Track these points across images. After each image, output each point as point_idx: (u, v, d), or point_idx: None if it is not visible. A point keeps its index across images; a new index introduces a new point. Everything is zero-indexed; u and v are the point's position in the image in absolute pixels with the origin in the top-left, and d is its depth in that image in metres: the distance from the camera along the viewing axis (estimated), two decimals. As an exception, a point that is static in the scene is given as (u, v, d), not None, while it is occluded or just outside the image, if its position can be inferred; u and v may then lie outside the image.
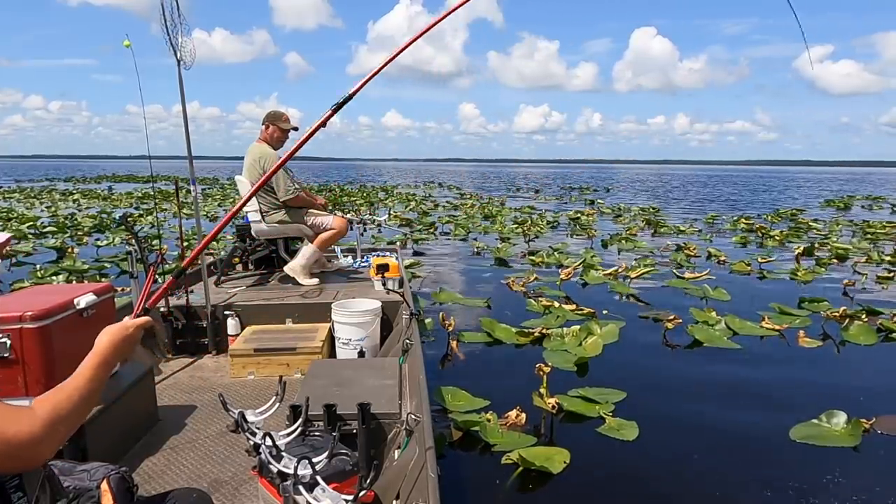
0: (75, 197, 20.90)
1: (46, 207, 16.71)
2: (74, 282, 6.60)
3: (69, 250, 8.71)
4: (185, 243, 6.80)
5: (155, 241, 7.02)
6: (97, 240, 9.92)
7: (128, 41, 2.59)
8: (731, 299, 5.99)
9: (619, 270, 7.05)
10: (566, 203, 21.09)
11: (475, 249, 9.37)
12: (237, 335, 3.35)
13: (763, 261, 8.28)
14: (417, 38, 1.56)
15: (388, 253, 5.44)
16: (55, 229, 11.33)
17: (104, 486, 1.49)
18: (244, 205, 1.55)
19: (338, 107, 1.52)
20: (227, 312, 3.45)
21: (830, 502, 2.50)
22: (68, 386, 1.03)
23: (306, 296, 3.85)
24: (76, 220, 13.16)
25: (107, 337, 1.15)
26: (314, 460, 1.59)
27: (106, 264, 7.64)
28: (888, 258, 8.61)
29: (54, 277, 6.72)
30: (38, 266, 7.26)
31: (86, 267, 7.27)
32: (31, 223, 12.03)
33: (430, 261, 8.47)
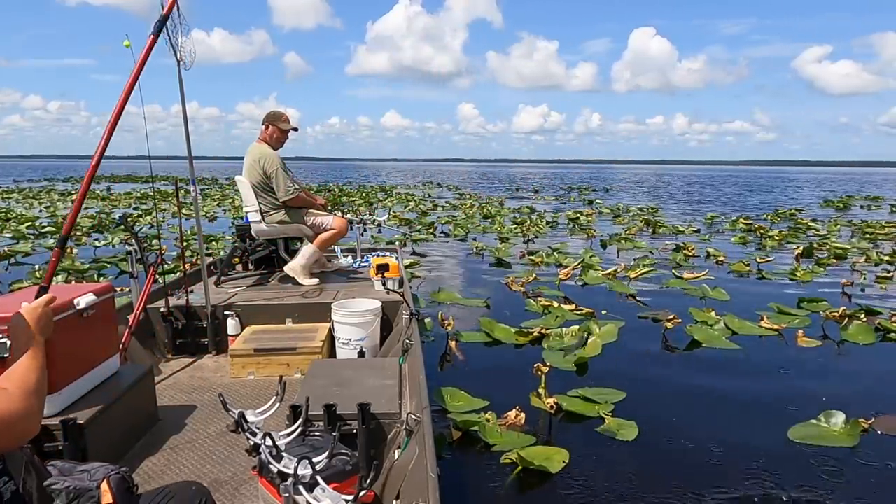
0: (74, 197, 20.87)
1: (45, 207, 16.70)
2: (73, 282, 6.60)
3: (68, 250, 8.70)
4: (185, 243, 6.80)
5: (154, 242, 7.01)
6: (95, 240, 9.91)
7: (127, 41, 2.59)
8: (730, 299, 5.99)
9: (619, 270, 7.05)
10: (565, 203, 21.10)
11: (474, 249, 9.37)
12: (237, 335, 3.35)
13: (762, 261, 8.29)
14: None
15: (388, 253, 5.44)
16: (54, 229, 11.33)
17: (104, 486, 1.49)
18: (88, 184, 1.78)
19: (158, 32, 1.67)
20: (227, 312, 3.45)
21: (829, 502, 2.51)
22: (19, 366, 1.15)
23: (306, 296, 3.85)
24: (75, 220, 13.13)
25: (23, 319, 1.27)
26: (314, 460, 1.59)
27: (105, 264, 7.63)
28: (886, 258, 8.63)
29: (53, 278, 6.70)
30: (36, 266, 7.25)
31: (85, 267, 7.26)
32: (30, 223, 12.03)
33: (430, 261, 8.47)
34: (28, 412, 1.04)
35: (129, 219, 3.03)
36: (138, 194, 22.31)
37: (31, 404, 1.07)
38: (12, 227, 11.38)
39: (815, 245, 9.75)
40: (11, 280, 6.50)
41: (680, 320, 4.83)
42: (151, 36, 1.73)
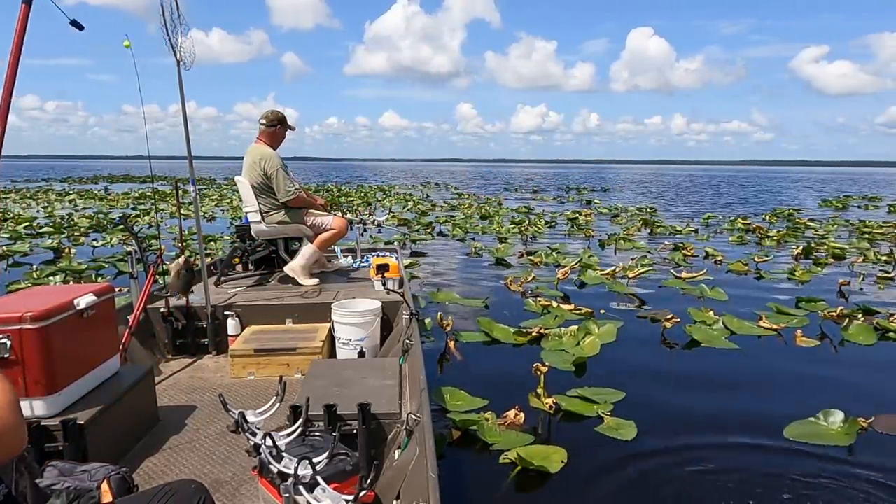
0: (71, 197, 20.84)
1: (43, 208, 16.66)
2: (72, 282, 6.59)
3: (66, 251, 8.69)
4: (184, 243, 6.79)
5: (153, 242, 6.99)
6: (94, 240, 9.89)
7: (128, 41, 2.59)
8: (729, 299, 6.00)
9: (617, 270, 7.06)
10: (563, 203, 21.11)
11: (473, 249, 9.37)
12: (237, 335, 3.35)
13: (760, 260, 8.31)
14: None
15: (387, 253, 5.44)
16: (52, 230, 11.30)
17: (104, 486, 1.49)
18: None
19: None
20: (227, 313, 3.45)
21: (825, 500, 2.52)
22: None
23: (306, 296, 3.85)
24: (73, 220, 13.12)
25: None
26: (314, 460, 1.60)
27: (104, 264, 7.62)
28: (884, 258, 8.64)
29: (51, 278, 6.70)
30: (34, 266, 7.24)
31: (83, 267, 7.25)
32: (28, 223, 12.00)
33: (428, 261, 8.48)
34: (15, 423, 1.00)
35: (128, 219, 3.03)
36: (136, 194, 22.27)
37: (18, 416, 1.02)
38: (10, 228, 11.36)
39: (813, 245, 9.77)
40: (9, 280, 6.48)
41: (679, 320, 4.83)
42: (23, 5, 1.67)
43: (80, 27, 1.92)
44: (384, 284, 3.88)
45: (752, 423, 3.25)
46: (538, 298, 5.70)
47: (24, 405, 1.90)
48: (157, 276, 3.35)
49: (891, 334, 4.81)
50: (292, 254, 4.44)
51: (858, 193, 30.16)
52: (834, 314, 5.15)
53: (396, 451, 2.08)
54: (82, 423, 1.93)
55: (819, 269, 7.80)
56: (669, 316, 4.87)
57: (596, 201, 21.48)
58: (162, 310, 3.37)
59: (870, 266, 8.15)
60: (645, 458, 2.85)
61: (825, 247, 9.63)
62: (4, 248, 8.78)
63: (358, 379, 2.41)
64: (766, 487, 2.59)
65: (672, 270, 7.35)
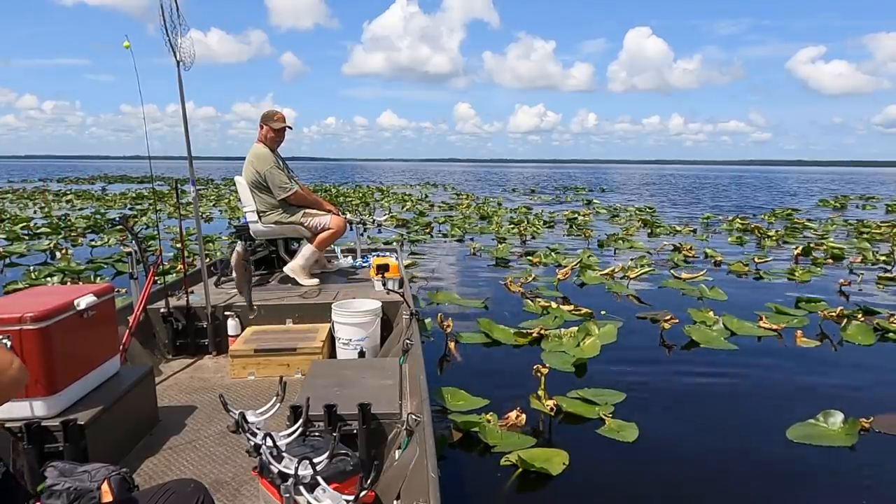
0: (69, 197, 20.79)
1: (40, 208, 16.62)
2: (69, 283, 6.57)
3: (63, 251, 8.66)
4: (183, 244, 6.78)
5: (152, 242, 6.99)
6: (91, 240, 9.87)
7: (127, 42, 2.59)
8: (728, 299, 6.00)
9: (616, 270, 7.06)
10: (562, 203, 21.11)
11: (472, 250, 9.37)
12: (237, 336, 3.35)
13: (759, 261, 8.31)
14: None
15: (387, 253, 5.44)
16: (49, 230, 11.27)
17: (105, 486, 1.49)
18: None
19: None
20: (227, 313, 3.44)
21: (828, 501, 2.52)
22: None
23: (306, 296, 3.84)
24: (70, 220, 13.09)
25: None
26: (315, 461, 1.59)
27: (102, 265, 7.60)
28: (883, 258, 8.65)
29: (49, 279, 6.69)
30: (31, 267, 7.22)
31: (81, 268, 7.23)
32: (25, 224, 11.97)
33: (428, 261, 8.47)
34: (10, 358, 1.03)
35: (127, 220, 3.02)
36: (133, 194, 22.22)
37: (11, 353, 1.05)
38: (6, 228, 11.33)
39: (812, 245, 9.78)
40: (7, 281, 6.46)
41: (677, 320, 4.81)
42: None
43: None
44: (384, 284, 3.88)
45: (752, 423, 3.25)
46: (538, 299, 5.70)
47: (25, 405, 1.90)
48: (155, 277, 3.34)
49: (891, 334, 4.81)
50: (292, 254, 4.43)
51: (855, 193, 30.16)
52: (834, 314, 5.15)
53: (397, 452, 2.07)
54: (83, 423, 1.93)
55: (818, 269, 7.80)
56: (669, 316, 4.87)
57: (595, 201, 21.47)
58: (162, 310, 3.36)
59: (869, 266, 8.16)
60: (647, 460, 2.85)
61: (824, 247, 9.64)
62: (1, 248, 8.75)
63: (358, 379, 2.41)
64: (768, 489, 2.59)
65: (672, 271, 7.35)
